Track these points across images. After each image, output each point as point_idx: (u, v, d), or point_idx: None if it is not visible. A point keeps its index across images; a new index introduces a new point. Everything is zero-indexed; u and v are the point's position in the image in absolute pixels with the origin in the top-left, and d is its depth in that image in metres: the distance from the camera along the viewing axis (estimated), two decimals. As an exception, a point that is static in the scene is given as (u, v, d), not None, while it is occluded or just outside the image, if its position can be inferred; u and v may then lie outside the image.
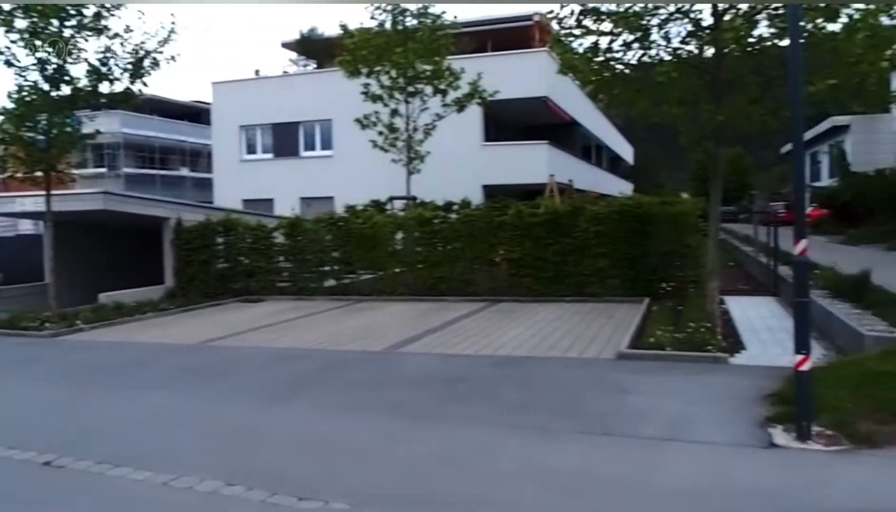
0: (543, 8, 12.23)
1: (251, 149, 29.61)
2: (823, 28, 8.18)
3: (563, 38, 9.88)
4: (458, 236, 15.18)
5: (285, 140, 28.61)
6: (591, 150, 39.10)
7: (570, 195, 21.56)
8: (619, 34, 9.42)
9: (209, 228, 17.13)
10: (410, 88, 18.11)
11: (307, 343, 10.55)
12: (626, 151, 52.11)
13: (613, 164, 49.09)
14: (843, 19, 8.33)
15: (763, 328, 10.23)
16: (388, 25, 17.86)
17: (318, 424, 6.46)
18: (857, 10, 8.12)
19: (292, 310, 14.34)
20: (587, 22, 9.31)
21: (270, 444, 5.94)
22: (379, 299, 15.20)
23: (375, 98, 18.06)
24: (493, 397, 7.00)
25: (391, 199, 18.89)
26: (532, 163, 24.44)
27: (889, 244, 23.00)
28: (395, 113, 18.09)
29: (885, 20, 8.19)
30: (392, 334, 10.86)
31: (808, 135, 52.05)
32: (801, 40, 8.36)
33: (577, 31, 9.45)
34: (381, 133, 18.27)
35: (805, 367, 5.26)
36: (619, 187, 35.14)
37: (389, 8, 17.91)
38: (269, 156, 29.11)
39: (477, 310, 13.20)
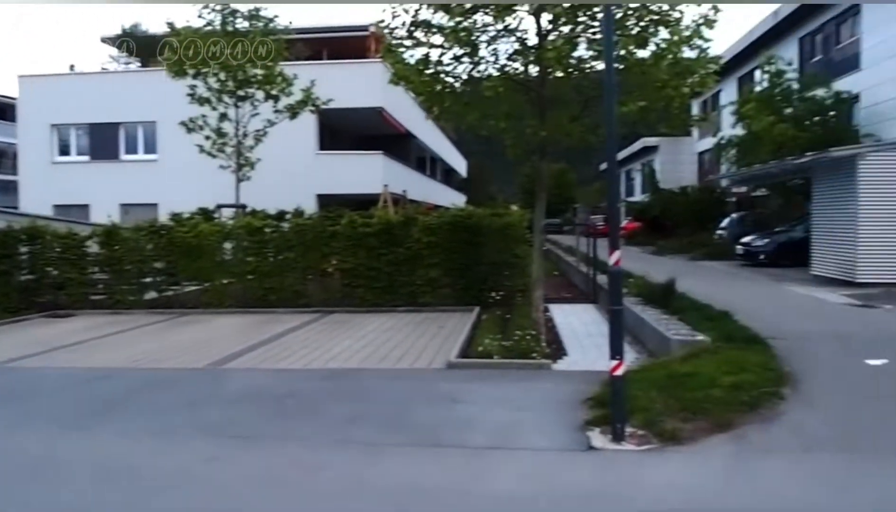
0: (378, 13, 12.31)
1: (64, 150, 27.20)
2: (634, 54, 8.81)
3: (394, 49, 9.89)
4: (289, 246, 14.74)
5: (104, 142, 26.55)
6: (426, 162, 39.78)
7: (404, 206, 21.71)
8: (449, 48, 9.59)
9: (10, 237, 15.38)
10: (240, 92, 17.43)
11: (120, 361, 9.69)
12: (459, 164, 53.55)
13: (447, 176, 50.27)
14: (652, 47, 9.03)
15: (584, 334, 10.78)
16: (217, 25, 17.07)
17: (127, 451, 5.89)
18: (664, 39, 8.82)
19: (107, 325, 13.17)
20: (418, 34, 9.39)
21: (70, 477, 5.33)
22: (205, 312, 14.37)
23: (203, 101, 17.20)
24: (321, 412, 6.78)
25: (219, 206, 18.02)
26: (367, 173, 24.40)
27: (692, 254, 25.34)
28: (223, 117, 17.31)
29: (687, 51, 8.97)
30: (217, 349, 10.26)
31: (623, 153, 56.38)
32: (615, 64, 9.00)
33: (407, 43, 9.50)
34: (208, 137, 17.39)
35: (619, 372, 5.54)
36: (453, 199, 36.02)
37: (219, 8, 17.14)
38: (85, 158, 26.89)
39: (309, 321, 12.84)
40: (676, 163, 46.41)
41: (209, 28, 17.12)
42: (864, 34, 23.44)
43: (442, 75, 9.73)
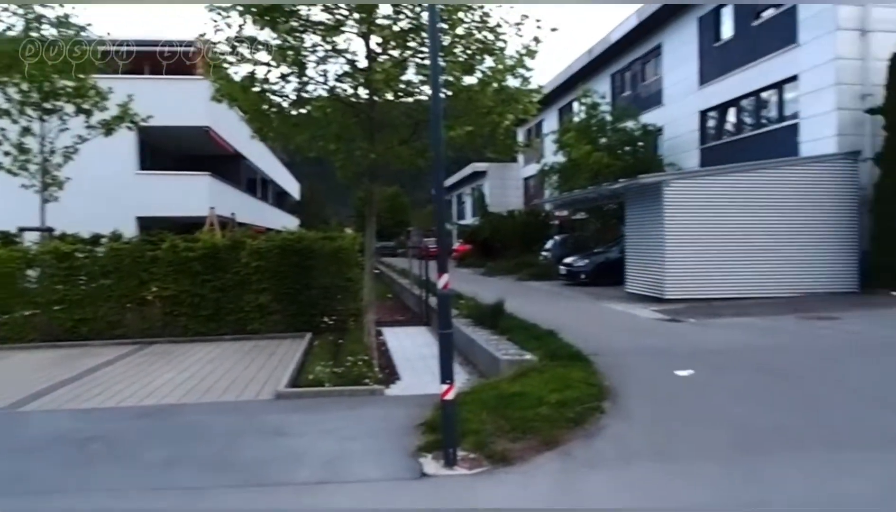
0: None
1: None
2: (461, 80, 9.01)
3: (217, 64, 9.42)
4: (105, 272, 13.53)
5: None
6: (257, 184, 38.62)
7: (232, 229, 20.80)
8: (276, 66, 9.29)
9: None
10: (47, 105, 15.90)
11: None
12: (292, 187, 52.51)
13: (280, 198, 49.12)
14: (479, 74, 9.29)
15: (417, 357, 10.78)
16: (19, 31, 15.50)
17: None
18: (489, 67, 9.10)
19: None
20: (242, 49, 9.01)
21: None
22: (2, 348, 12.81)
23: (2, 113, 15.50)
24: (133, 457, 6.16)
25: (21, 230, 16.24)
26: (192, 194, 23.19)
27: (519, 275, 26.39)
28: (26, 131, 15.70)
29: (511, 79, 9.32)
30: (13, 390, 9.09)
31: (454, 178, 58.02)
32: (445, 90, 9.16)
33: (230, 58, 9.09)
34: (8, 153, 15.69)
35: (450, 396, 5.51)
36: (286, 222, 35.21)
37: (21, 12, 15.58)
38: None
39: (126, 354, 11.81)
40: (504, 187, 48.54)
41: (10, 34, 15.50)
42: (665, 73, 25.85)
43: (268, 94, 9.40)
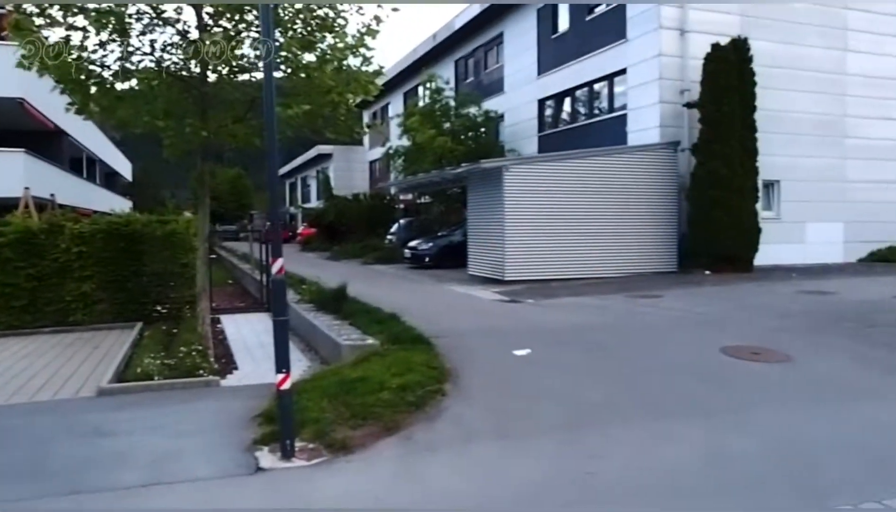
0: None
1: None
2: (300, 57, 8.68)
3: (25, 27, 8.42)
4: None
5: None
6: (83, 163, 35.60)
7: (52, 211, 18.97)
8: (97, 32, 8.45)
9: None
10: None
11: None
12: (123, 167, 48.90)
13: (110, 179, 45.62)
14: (319, 52, 8.99)
15: (256, 345, 10.39)
16: None
17: None
18: (329, 45, 8.84)
19: None
20: (53, 11, 8.12)
21: None
22: None
23: None
24: (-79, 469, 5.43)
25: None
26: (4, 173, 20.85)
27: (364, 259, 26.27)
28: None
29: (352, 59, 9.10)
30: None
31: (299, 160, 56.78)
32: (283, 67, 8.81)
33: (38, 21, 8.17)
34: None
35: (286, 385, 5.31)
36: (116, 204, 32.64)
37: None
38: None
39: (-83, 353, 10.45)
40: (350, 170, 48.11)
41: None
42: (507, 62, 26.61)
43: (86, 63, 8.54)
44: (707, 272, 16.69)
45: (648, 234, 17.28)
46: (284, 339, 5.40)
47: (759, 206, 17.33)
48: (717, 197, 16.39)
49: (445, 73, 29.53)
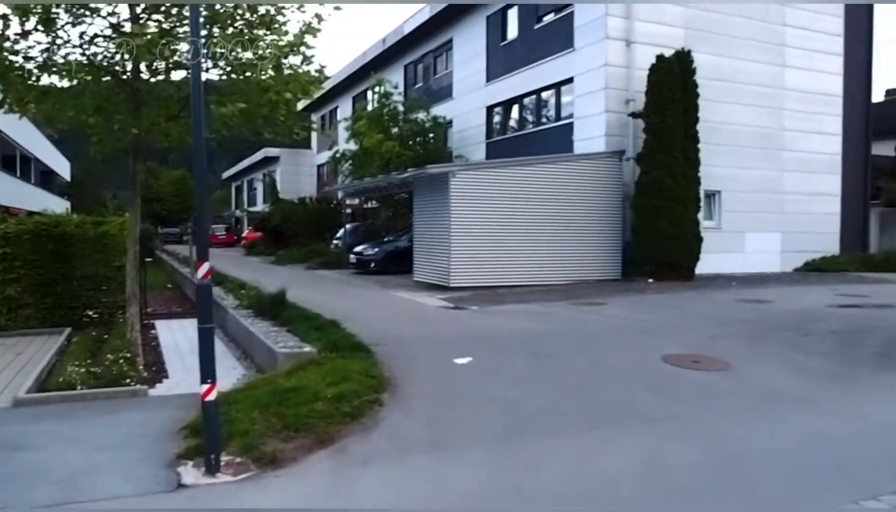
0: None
1: None
2: (237, 53, 8.40)
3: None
4: None
5: None
6: (16, 161, 34.23)
7: (-23, 210, 18.09)
8: (21, 21, 8.01)
9: None
10: None
11: None
12: (61, 165, 47.19)
13: (46, 178, 44.00)
14: (258, 50, 8.70)
15: (189, 351, 10.00)
16: None
17: None
18: (268, 43, 8.58)
19: None
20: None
21: None
22: None
23: None
24: None
25: None
26: (-76, 169, 19.88)
27: (309, 263, 25.85)
28: None
29: (292, 57, 8.84)
30: None
31: (245, 163, 55.78)
32: (220, 64, 8.51)
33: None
34: None
35: (211, 396, 5.03)
36: (53, 204, 31.41)
37: None
38: None
39: None
40: (297, 174, 47.44)
41: None
42: (456, 68, 26.58)
43: (6, 53, 8.08)
44: (650, 280, 16.87)
45: (593, 241, 17.38)
46: (210, 347, 5.13)
47: (700, 215, 17.63)
48: (660, 206, 16.61)
49: (395, 77, 29.34)
